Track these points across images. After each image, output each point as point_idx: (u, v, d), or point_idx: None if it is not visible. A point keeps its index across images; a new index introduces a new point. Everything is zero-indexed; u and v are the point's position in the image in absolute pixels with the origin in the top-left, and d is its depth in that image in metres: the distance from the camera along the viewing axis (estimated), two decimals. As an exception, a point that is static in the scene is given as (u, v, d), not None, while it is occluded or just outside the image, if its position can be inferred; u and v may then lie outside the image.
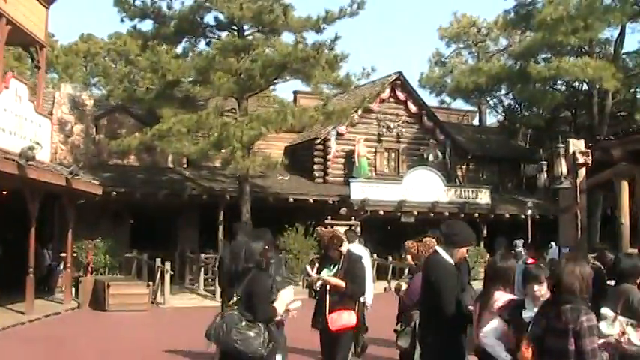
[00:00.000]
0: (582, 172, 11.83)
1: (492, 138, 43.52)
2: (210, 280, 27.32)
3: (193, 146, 24.09)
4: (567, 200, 12.29)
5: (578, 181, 11.73)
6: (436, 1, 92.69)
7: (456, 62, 49.70)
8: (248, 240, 6.88)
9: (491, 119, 51.92)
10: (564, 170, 11.84)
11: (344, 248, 9.47)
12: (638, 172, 12.88)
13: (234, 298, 6.44)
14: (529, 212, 31.59)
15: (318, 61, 24.84)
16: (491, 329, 6.01)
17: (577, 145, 11.95)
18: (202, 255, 28.43)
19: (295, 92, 38.85)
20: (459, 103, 49.24)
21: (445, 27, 49.39)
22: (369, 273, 11.73)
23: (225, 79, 25.50)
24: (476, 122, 49.00)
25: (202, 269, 27.87)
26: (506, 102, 49.12)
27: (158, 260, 25.23)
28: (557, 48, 33.74)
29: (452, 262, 6.68)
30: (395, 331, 9.23)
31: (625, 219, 13.81)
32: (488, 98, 48.51)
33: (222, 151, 23.97)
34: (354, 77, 26.54)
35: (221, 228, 29.53)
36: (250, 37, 26.76)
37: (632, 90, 37.23)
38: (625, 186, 13.96)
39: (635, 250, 12.36)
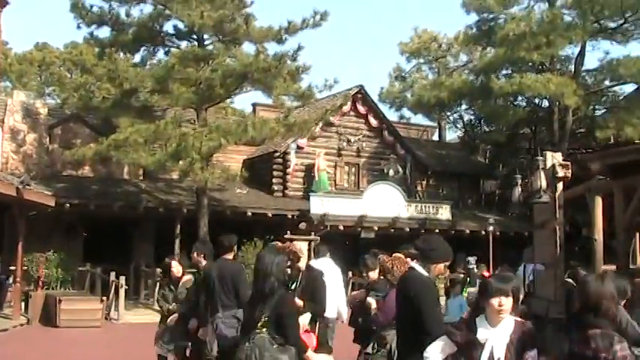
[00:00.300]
0: (560, 185, 11.41)
1: (452, 153, 43.35)
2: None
3: (150, 157, 23.41)
4: (544, 215, 11.85)
5: (556, 195, 11.30)
6: (397, 16, 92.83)
7: (416, 77, 49.49)
8: (274, 257, 6.40)
9: (451, 135, 51.89)
10: (543, 184, 11.39)
11: (302, 264, 9.11)
12: (616, 187, 12.52)
13: (262, 320, 6.04)
14: (490, 228, 31.33)
15: (280, 72, 24.37)
16: (435, 349, 5.41)
17: (556, 158, 11.52)
18: (158, 270, 27.63)
19: (254, 104, 38.36)
20: (419, 119, 49.09)
21: (405, 42, 49.16)
22: (340, 289, 11.31)
23: (184, 89, 24.95)
24: (435, 138, 48.83)
25: (158, 284, 27.05)
26: (466, 117, 49.09)
27: (112, 274, 24.49)
28: (519, 64, 33.69)
29: (430, 277, 6.16)
30: (367, 354, 8.55)
31: (599, 235, 13.47)
32: (449, 113, 48.43)
33: (181, 162, 23.31)
34: (316, 89, 26.12)
35: (177, 242, 28.83)
36: (211, 47, 26.23)
37: (592, 107, 37.24)
38: (599, 201, 13.63)
39: (613, 267, 12.04)
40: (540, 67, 34.56)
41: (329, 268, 10.72)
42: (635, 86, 34.86)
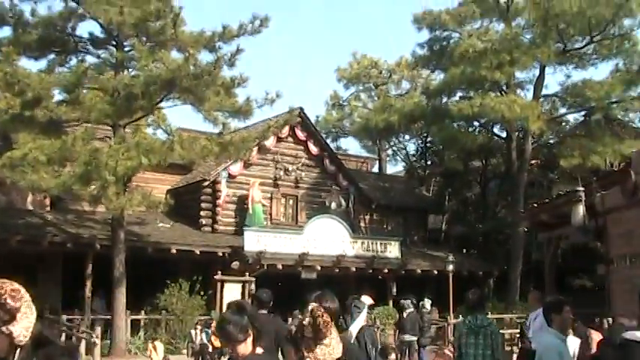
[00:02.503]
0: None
1: (396, 186, 39.87)
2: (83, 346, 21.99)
3: (54, 179, 19.01)
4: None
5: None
6: (335, 40, 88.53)
7: (355, 106, 46.02)
8: None
9: (391, 168, 48.50)
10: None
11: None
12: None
13: None
14: (450, 267, 27.71)
15: (213, 81, 20.47)
16: None
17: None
18: (64, 316, 23.18)
19: (180, 130, 34.15)
20: (357, 149, 45.75)
21: (344, 67, 45.77)
22: None
23: (98, 99, 20.78)
24: (375, 170, 45.31)
25: (63, 334, 22.54)
26: (410, 148, 45.83)
27: (4, 324, 19.92)
28: (478, 85, 30.46)
29: None
30: None
31: None
32: (392, 144, 45.18)
33: (92, 185, 18.93)
34: (255, 104, 22.17)
35: (89, 283, 24.48)
36: (132, 52, 22.09)
37: (553, 134, 34.22)
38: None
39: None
40: (499, 89, 31.34)
41: None
42: (598, 112, 31.95)
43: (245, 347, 4.66)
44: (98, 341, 20.27)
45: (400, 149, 47.22)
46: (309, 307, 7.75)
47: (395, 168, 49.01)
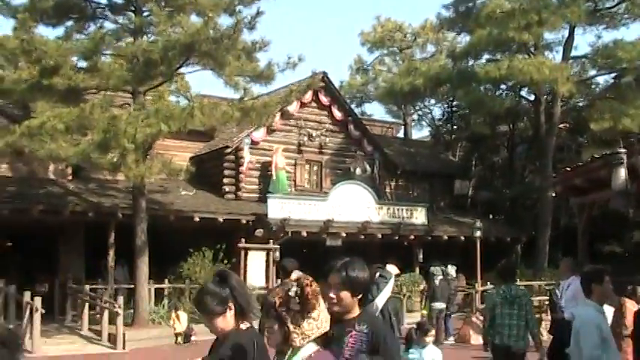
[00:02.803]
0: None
1: (422, 152, 39.24)
2: (97, 317, 21.74)
3: (72, 148, 18.60)
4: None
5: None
6: (358, 4, 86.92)
7: (379, 70, 45.26)
8: None
9: (417, 133, 47.80)
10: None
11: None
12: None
13: None
14: (478, 234, 27.19)
15: (234, 45, 19.89)
16: None
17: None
18: (87, 286, 22.98)
19: (201, 96, 33.63)
20: (381, 114, 45.14)
21: (367, 32, 45.01)
22: None
23: (117, 66, 20.32)
24: (400, 135, 44.66)
25: (87, 304, 22.36)
26: (436, 112, 45.10)
27: (27, 294, 19.75)
28: (505, 47, 29.64)
29: None
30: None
31: None
32: (418, 108, 44.47)
33: (110, 153, 18.49)
34: (277, 68, 21.59)
35: (112, 252, 24.20)
36: (151, 17, 21.54)
37: (583, 97, 33.28)
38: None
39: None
40: (527, 51, 30.43)
41: None
42: (629, 74, 31.01)
43: (224, 321, 4.25)
44: (121, 311, 20.04)
45: (426, 114, 46.60)
46: (294, 276, 7.30)
47: (420, 133, 48.45)
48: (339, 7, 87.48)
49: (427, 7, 71.18)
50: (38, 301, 19.06)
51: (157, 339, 21.28)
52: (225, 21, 21.41)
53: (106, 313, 20.69)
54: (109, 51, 21.58)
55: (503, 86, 33.23)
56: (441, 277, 19.81)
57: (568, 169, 14.30)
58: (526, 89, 34.00)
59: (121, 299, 20.81)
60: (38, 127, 18.74)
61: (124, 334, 20.08)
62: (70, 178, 27.61)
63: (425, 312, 20.94)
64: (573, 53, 32.09)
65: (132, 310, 22.35)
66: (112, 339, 20.35)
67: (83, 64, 21.58)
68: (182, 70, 22.06)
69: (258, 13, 19.68)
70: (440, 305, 19.60)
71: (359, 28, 58.92)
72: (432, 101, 43.71)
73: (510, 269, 10.12)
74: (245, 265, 25.95)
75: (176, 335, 21.34)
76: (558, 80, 27.33)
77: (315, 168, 32.04)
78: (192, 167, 24.61)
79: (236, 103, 20.48)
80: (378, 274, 7.37)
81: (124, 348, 19.90)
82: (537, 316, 25.77)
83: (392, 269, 7.72)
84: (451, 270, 22.58)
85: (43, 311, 19.18)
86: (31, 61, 20.54)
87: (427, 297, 21.23)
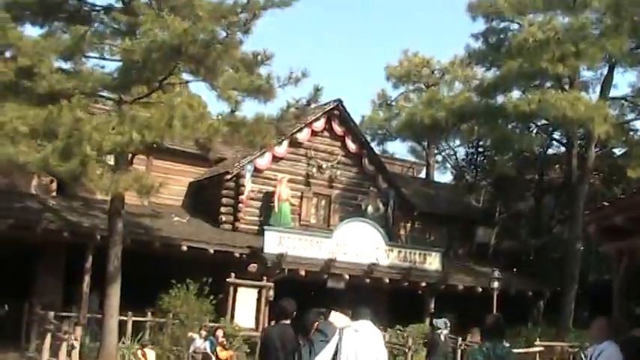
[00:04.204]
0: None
1: (442, 194, 36.61)
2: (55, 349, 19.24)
3: (34, 154, 16.27)
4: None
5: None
6: (384, 37, 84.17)
7: (402, 106, 42.87)
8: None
9: (439, 176, 45.27)
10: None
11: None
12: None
13: None
14: (495, 285, 24.47)
15: (227, 51, 17.55)
16: None
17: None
18: (51, 313, 20.49)
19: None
20: (404, 153, 42.72)
21: (393, 65, 42.80)
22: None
23: (97, 69, 18.16)
24: (422, 176, 42.15)
25: (49, 334, 19.85)
26: (460, 153, 42.56)
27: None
28: (537, 80, 27.13)
29: None
30: None
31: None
32: (442, 148, 42.06)
33: (72, 160, 16.06)
34: (277, 82, 19.20)
35: (87, 278, 21.84)
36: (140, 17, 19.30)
37: (621, 141, 30.46)
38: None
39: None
40: (561, 87, 27.82)
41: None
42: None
43: None
44: (77, 344, 17.53)
45: (449, 155, 44.08)
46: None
47: (444, 177, 45.96)
48: (365, 38, 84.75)
49: (458, 42, 68.25)
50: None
51: (121, 379, 18.76)
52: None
53: (64, 346, 18.18)
54: (93, 53, 19.38)
55: (532, 125, 30.64)
56: (446, 331, 17.00)
57: (605, 204, 11.64)
58: (558, 132, 31.49)
59: (79, 331, 18.33)
60: (-2, 128, 16.50)
61: (79, 372, 17.56)
62: (54, 194, 25.45)
63: None
64: (612, 93, 29.50)
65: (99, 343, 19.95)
66: (69, 376, 17.86)
67: (66, 66, 19.50)
68: (173, 80, 19.71)
69: (255, 15, 17.37)
70: None
71: (384, 62, 56.37)
72: (457, 142, 41.35)
73: (496, 324, 8.54)
74: (233, 303, 23.48)
75: (142, 377, 18.76)
76: (594, 120, 24.76)
77: (324, 202, 29.54)
78: (192, 198, 22.34)
79: (225, 116, 18.14)
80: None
81: (77, 387, 17.39)
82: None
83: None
84: (440, 323, 19.21)
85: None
86: (4, 60, 18.45)
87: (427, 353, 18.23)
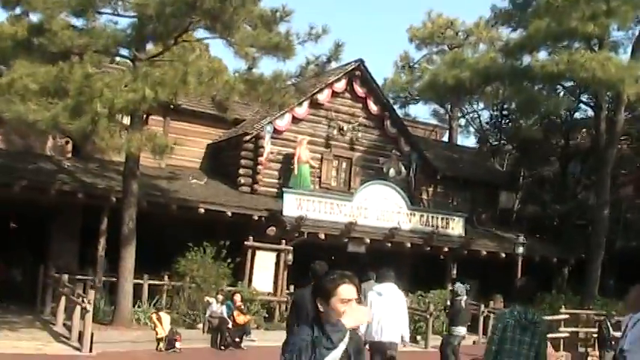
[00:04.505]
0: None
1: (466, 158, 35.83)
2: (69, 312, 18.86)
3: (43, 112, 15.71)
4: None
5: None
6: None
7: (426, 68, 41.88)
8: None
9: (462, 140, 44.42)
10: None
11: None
12: None
13: None
14: (520, 250, 23.80)
15: (245, 6, 16.87)
16: None
17: None
18: (65, 276, 20.11)
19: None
20: (425, 117, 41.88)
21: (417, 27, 41.83)
22: (404, 314, 11.67)
23: (110, 24, 17.52)
24: (445, 140, 41.33)
25: (63, 297, 19.48)
26: (484, 116, 41.61)
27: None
28: (566, 40, 26.11)
29: None
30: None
31: None
32: (466, 112, 41.15)
33: (82, 118, 15.45)
34: (296, 39, 18.50)
35: (102, 240, 21.39)
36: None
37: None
38: None
39: None
40: (590, 47, 26.74)
41: (392, 293, 11.14)
42: None
43: None
44: (90, 307, 17.08)
45: (473, 119, 43.14)
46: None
47: (467, 141, 45.14)
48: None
49: (483, 3, 66.29)
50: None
51: (136, 343, 18.31)
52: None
53: (77, 309, 17.81)
54: (106, 9, 18.71)
55: (559, 88, 29.65)
56: (465, 297, 16.37)
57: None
58: (585, 95, 30.53)
59: (92, 294, 17.93)
60: (6, 86, 15.96)
61: (92, 334, 17.13)
62: (70, 156, 24.98)
63: None
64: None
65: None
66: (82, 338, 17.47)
67: (78, 23, 18.87)
68: (188, 38, 19.08)
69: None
70: (462, 331, 16.11)
71: (407, 23, 55.07)
72: (481, 105, 40.44)
73: (530, 289, 8.23)
74: (251, 267, 23.04)
75: (158, 340, 18.32)
76: (625, 81, 23.81)
77: (344, 165, 28.85)
78: (210, 160, 21.69)
79: (242, 72, 17.50)
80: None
81: (90, 350, 16.96)
82: (582, 349, 22.71)
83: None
84: (459, 289, 18.27)
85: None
86: (14, 17, 17.89)
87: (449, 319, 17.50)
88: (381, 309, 11.20)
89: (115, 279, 20.17)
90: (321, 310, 4.06)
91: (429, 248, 26.71)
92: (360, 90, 28.82)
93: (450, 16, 42.28)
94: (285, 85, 18.72)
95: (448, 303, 16.54)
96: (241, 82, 16.95)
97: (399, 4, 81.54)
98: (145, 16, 16.84)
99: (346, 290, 4.03)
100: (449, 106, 41.41)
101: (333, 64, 21.05)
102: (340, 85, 28.34)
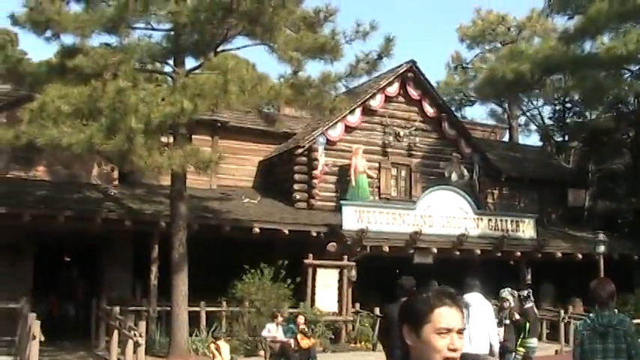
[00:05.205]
0: None
1: (529, 157, 34.07)
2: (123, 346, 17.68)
3: (77, 134, 14.61)
4: None
5: None
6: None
7: (479, 67, 40.32)
8: None
9: (523, 139, 42.61)
10: None
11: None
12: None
13: None
14: (602, 249, 22.05)
15: (285, 5, 15.62)
16: None
17: None
18: (117, 308, 19.00)
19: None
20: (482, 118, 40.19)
21: (466, 26, 40.32)
22: (492, 324, 11.28)
23: (144, 38, 16.45)
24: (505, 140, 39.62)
25: (116, 331, 18.35)
26: (545, 112, 39.82)
27: (32, 316, 15.97)
28: (630, 21, 24.32)
29: None
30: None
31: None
32: (525, 108, 39.39)
33: (117, 137, 14.28)
34: (343, 38, 17.20)
35: (155, 268, 20.32)
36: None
37: None
38: None
39: None
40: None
41: (479, 303, 10.71)
42: None
43: None
44: (142, 340, 15.95)
45: (534, 116, 41.36)
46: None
47: (528, 140, 43.33)
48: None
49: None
50: (37, 326, 15.12)
51: (195, 375, 17.15)
52: None
53: (130, 343, 16.66)
54: (139, 24, 17.63)
55: (627, 72, 27.75)
56: (532, 304, 14.67)
57: None
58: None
59: (143, 325, 16.79)
60: (39, 110, 14.96)
61: (146, 370, 15.99)
62: (116, 183, 24.04)
63: (522, 350, 15.34)
64: None
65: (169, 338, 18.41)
66: (139, 374, 16.34)
67: (111, 40, 17.84)
68: (228, 46, 17.89)
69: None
70: (534, 342, 14.41)
71: (457, 23, 53.39)
72: (541, 101, 38.65)
73: (597, 290, 7.20)
74: (313, 286, 21.68)
75: (217, 371, 17.07)
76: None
77: (403, 173, 27.42)
78: (262, 176, 20.48)
79: (288, 77, 16.26)
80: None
81: (145, 385, 15.82)
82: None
83: None
84: (506, 294, 16.35)
85: (42, 338, 15.18)
86: (41, 33, 16.95)
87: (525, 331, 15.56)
88: (469, 320, 9.99)
89: (169, 308, 19.05)
90: (409, 342, 2.74)
91: (499, 254, 25.09)
92: (414, 92, 27.42)
93: (501, 12, 40.70)
94: (335, 87, 17.38)
95: (515, 314, 14.63)
96: (287, 87, 15.70)
97: (447, 4, 79.43)
98: (179, 25, 15.72)
99: (446, 315, 2.73)
100: (507, 104, 39.71)
101: (385, 61, 19.57)
102: (393, 89, 27.01)
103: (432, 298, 2.83)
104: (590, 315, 7.35)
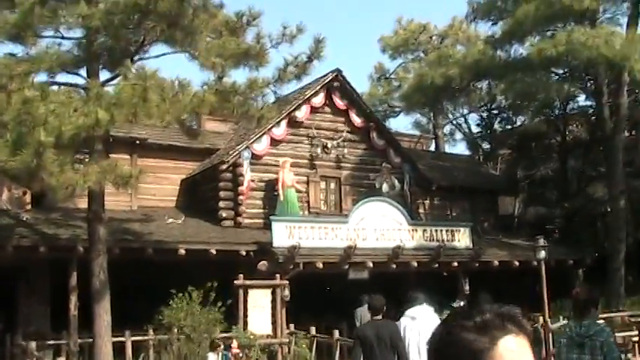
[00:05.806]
0: None
1: (458, 166, 33.56)
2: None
3: (-20, 152, 13.15)
4: None
5: None
6: (375, 10, 79.32)
7: (403, 77, 39.80)
8: None
9: (450, 149, 42.26)
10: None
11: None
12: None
13: None
14: (542, 255, 21.38)
15: (206, 6, 14.47)
16: None
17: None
18: (33, 344, 17.46)
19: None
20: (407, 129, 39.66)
21: (388, 36, 39.76)
22: None
23: (53, 45, 15.07)
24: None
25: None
26: (472, 120, 39.56)
27: None
28: (557, 22, 23.92)
29: None
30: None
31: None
32: (451, 118, 39.03)
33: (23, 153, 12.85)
34: (269, 42, 16.12)
35: (74, 297, 18.82)
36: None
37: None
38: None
39: None
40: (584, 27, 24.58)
41: (427, 316, 10.17)
42: None
43: None
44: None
45: (460, 125, 41.05)
46: None
47: (454, 149, 42.97)
48: (356, 9, 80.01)
49: (453, 5, 64.04)
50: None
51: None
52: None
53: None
54: (47, 32, 16.23)
55: (554, 76, 27.37)
56: None
57: None
58: (580, 82, 28.38)
59: (62, 361, 15.36)
60: None
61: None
62: (29, 207, 22.40)
63: None
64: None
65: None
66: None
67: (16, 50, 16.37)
68: (145, 55, 16.60)
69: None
70: None
71: (378, 34, 52.88)
72: (467, 110, 38.32)
73: (578, 300, 7.01)
74: (245, 308, 20.36)
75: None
76: (630, 58, 21.59)
77: (333, 185, 26.42)
78: (185, 195, 19.20)
79: (212, 84, 15.09)
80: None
81: None
82: (623, 357, 20.39)
83: None
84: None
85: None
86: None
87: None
88: (416, 334, 10.18)
89: (91, 340, 17.57)
90: None
91: (437, 265, 24.30)
92: (340, 102, 26.51)
93: (422, 21, 40.28)
94: (262, 94, 16.27)
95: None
96: (212, 94, 14.51)
97: (367, 15, 79.05)
98: (92, 30, 14.40)
99: (515, 349, 1.69)
100: (432, 114, 39.28)
101: (316, 64, 18.47)
102: (319, 99, 26.05)
103: (491, 322, 1.77)
104: (569, 324, 7.36)
